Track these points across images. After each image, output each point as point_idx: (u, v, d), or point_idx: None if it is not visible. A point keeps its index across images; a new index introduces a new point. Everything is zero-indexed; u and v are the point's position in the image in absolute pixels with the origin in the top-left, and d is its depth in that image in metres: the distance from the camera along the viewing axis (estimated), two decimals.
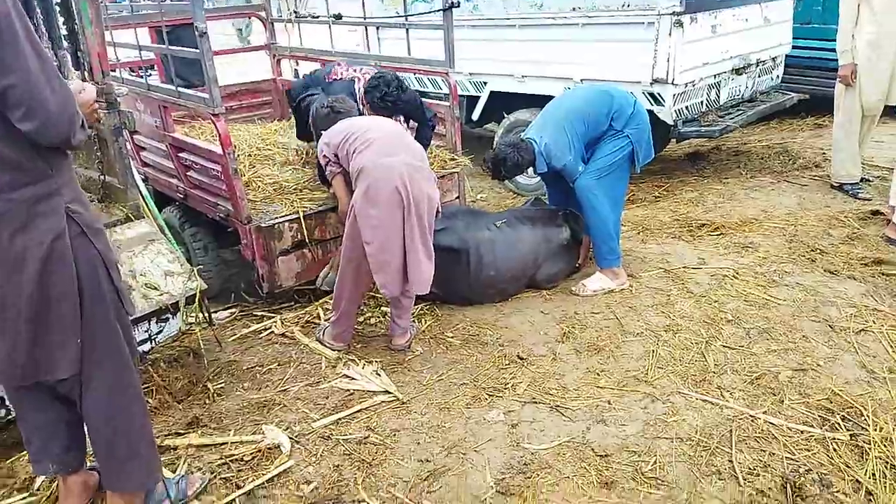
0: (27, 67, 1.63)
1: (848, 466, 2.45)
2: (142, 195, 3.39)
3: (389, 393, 2.98)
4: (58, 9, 3.22)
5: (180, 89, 3.77)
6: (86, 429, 2.06)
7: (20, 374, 1.94)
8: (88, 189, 3.52)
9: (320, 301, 3.91)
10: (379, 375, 3.11)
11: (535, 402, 2.88)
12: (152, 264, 3.22)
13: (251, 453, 2.58)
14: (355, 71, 4.07)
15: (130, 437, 2.07)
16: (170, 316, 3.18)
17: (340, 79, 4.03)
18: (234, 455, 2.56)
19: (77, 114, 1.78)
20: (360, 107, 3.82)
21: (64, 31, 3.26)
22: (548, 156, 3.73)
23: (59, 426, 2.12)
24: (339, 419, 2.81)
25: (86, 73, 3.16)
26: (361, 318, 3.71)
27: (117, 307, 2.02)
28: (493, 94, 6.35)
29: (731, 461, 2.49)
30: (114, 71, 3.82)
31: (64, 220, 1.86)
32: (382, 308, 3.78)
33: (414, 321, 3.58)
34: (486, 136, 7.27)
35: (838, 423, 2.67)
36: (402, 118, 4.03)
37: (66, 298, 1.87)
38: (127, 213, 3.32)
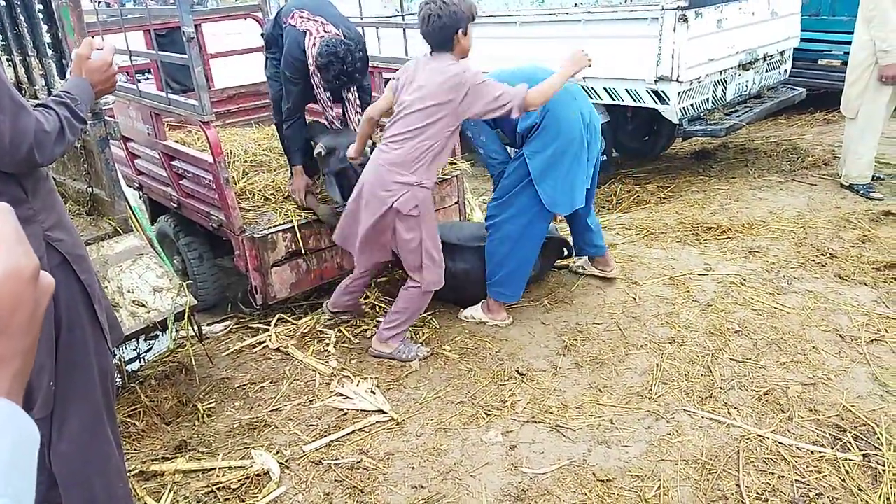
0: None
1: (860, 490, 2.35)
2: (130, 207, 3.31)
3: (384, 413, 2.89)
4: (41, 16, 3.14)
5: (170, 96, 3.67)
6: (56, 473, 1.96)
7: None
8: (77, 201, 3.44)
9: (316, 314, 3.82)
10: (374, 393, 3.02)
11: (535, 422, 2.78)
12: (140, 280, 3.14)
13: (239, 480, 2.49)
14: (313, 23, 3.61)
15: (108, 481, 1.97)
16: (159, 333, 3.11)
17: (294, 26, 3.64)
18: (221, 483, 2.48)
19: (45, 132, 1.65)
20: (309, 60, 3.56)
21: (48, 39, 3.17)
22: None
23: (43, 463, 2.03)
24: (332, 442, 2.72)
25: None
26: (357, 331, 3.62)
27: (98, 342, 1.91)
28: None
29: (738, 485, 2.39)
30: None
31: (42, 248, 1.74)
32: (379, 319, 3.68)
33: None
34: None
35: (850, 443, 2.56)
36: (353, 88, 3.73)
37: (41, 335, 1.76)
38: (115, 226, 3.24)
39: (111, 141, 3.11)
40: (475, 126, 3.59)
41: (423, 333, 3.55)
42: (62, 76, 3.16)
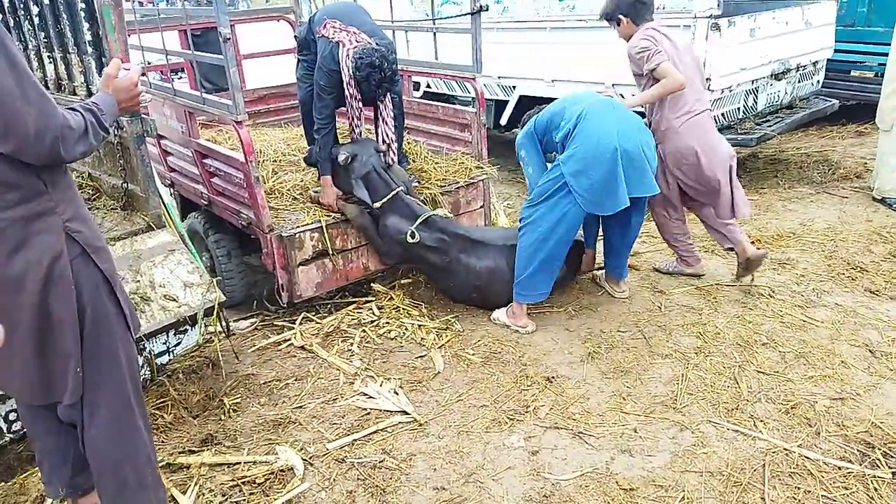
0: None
1: None
2: (163, 204, 3.36)
3: (407, 413, 2.90)
4: (83, 14, 3.21)
5: (204, 95, 3.73)
6: (90, 461, 2.01)
7: (28, 394, 1.91)
8: (112, 196, 3.51)
9: (341, 312, 3.86)
10: (397, 394, 3.04)
11: (558, 428, 2.78)
12: (172, 275, 3.19)
13: (264, 475, 2.52)
14: (346, 34, 3.68)
15: (137, 466, 2.01)
16: (188, 327, 3.16)
17: (327, 38, 3.71)
18: (246, 477, 2.51)
19: (70, 128, 1.69)
20: (343, 71, 3.62)
21: (89, 37, 3.25)
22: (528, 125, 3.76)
23: (69, 450, 2.08)
24: (355, 440, 2.74)
25: None
26: (382, 331, 3.64)
27: (122, 330, 1.96)
28: (522, 99, 6.22)
29: (763, 498, 2.37)
30: (143, 76, 3.79)
31: (62, 239, 1.78)
32: (403, 320, 3.71)
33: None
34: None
35: (879, 460, 2.52)
36: (388, 94, 3.81)
37: (65, 323, 1.80)
38: (149, 221, 3.30)
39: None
40: (521, 140, 3.72)
41: (446, 336, 3.56)
42: (101, 73, 3.23)
